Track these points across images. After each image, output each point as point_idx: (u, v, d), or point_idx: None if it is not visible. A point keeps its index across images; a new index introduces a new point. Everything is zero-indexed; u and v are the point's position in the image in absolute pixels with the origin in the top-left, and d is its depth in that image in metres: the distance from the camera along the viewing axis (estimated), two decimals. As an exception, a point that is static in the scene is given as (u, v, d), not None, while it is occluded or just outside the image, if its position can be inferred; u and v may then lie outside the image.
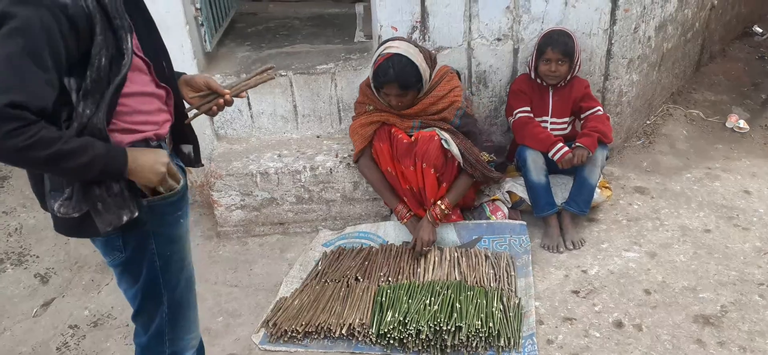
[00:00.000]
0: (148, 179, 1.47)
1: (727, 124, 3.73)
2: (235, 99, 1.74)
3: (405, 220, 2.84)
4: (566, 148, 2.78)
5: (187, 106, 1.71)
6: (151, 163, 1.46)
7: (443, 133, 2.72)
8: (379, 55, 2.65)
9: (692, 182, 3.24)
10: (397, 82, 2.62)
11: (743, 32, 4.85)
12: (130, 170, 1.42)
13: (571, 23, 2.98)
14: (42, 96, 1.25)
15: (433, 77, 2.74)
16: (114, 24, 1.36)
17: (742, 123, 3.69)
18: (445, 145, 2.69)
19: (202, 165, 1.85)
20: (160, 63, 1.58)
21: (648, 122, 3.74)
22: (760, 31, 4.74)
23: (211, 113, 1.70)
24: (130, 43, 1.40)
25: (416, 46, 2.69)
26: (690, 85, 4.15)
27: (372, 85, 2.73)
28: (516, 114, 2.92)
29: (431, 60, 2.73)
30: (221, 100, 1.67)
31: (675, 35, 3.63)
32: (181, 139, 1.73)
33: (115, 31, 1.36)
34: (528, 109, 2.91)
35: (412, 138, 2.74)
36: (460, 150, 2.70)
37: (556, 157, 2.79)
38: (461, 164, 2.73)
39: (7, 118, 1.18)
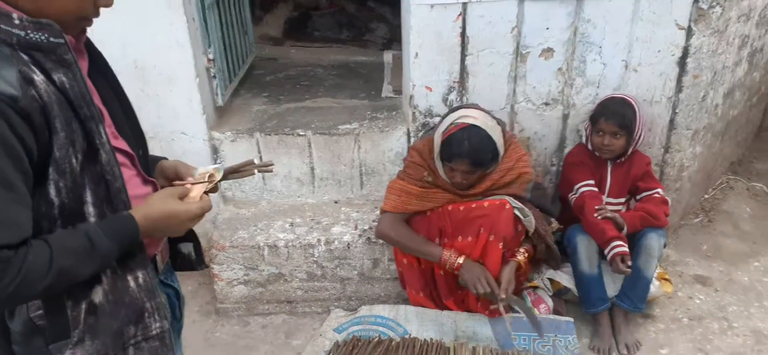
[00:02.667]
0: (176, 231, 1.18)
1: (796, 205, 3.29)
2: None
3: (457, 267, 2.32)
4: (620, 249, 2.36)
5: None
6: (168, 213, 1.14)
7: (514, 201, 2.33)
8: (452, 124, 2.25)
9: (762, 273, 2.81)
10: (470, 159, 2.21)
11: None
12: (145, 232, 1.12)
13: (631, 89, 2.61)
14: (16, 222, 0.95)
15: None
16: (81, 114, 1.03)
17: (816, 202, 3.25)
18: (520, 216, 2.31)
19: (207, 266, 1.52)
20: (138, 153, 1.25)
21: (706, 197, 3.32)
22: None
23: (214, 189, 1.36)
24: (104, 136, 1.07)
25: (493, 118, 2.33)
26: (751, 153, 3.74)
27: (437, 156, 2.31)
28: (578, 189, 2.52)
29: (505, 140, 2.35)
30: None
31: (742, 101, 3.23)
32: (178, 238, 1.40)
33: (83, 123, 1.03)
34: (592, 183, 2.52)
35: (474, 205, 2.33)
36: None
37: (608, 256, 2.39)
38: (530, 235, 2.37)
39: None
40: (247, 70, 3.48)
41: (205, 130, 2.73)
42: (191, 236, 1.45)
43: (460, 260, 2.30)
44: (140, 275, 1.17)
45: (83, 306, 1.10)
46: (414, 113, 2.70)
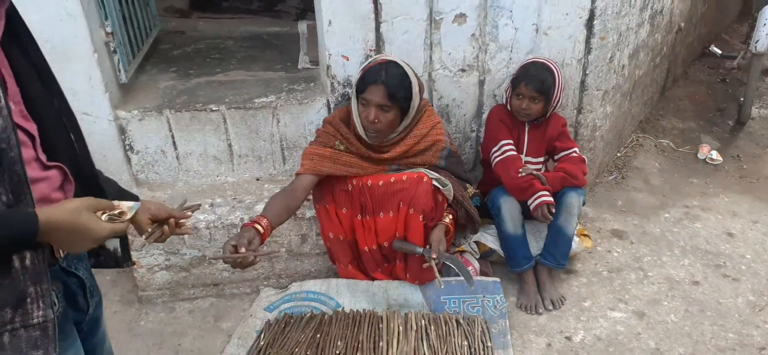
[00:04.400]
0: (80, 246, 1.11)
1: (699, 156, 3.52)
2: None
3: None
4: (545, 198, 2.43)
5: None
6: (74, 224, 1.06)
7: (432, 173, 2.33)
8: (370, 61, 2.30)
9: (672, 224, 2.99)
10: (385, 86, 2.18)
11: (702, 53, 4.72)
12: (43, 236, 1.03)
13: (543, 52, 2.66)
14: None
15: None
16: None
17: (715, 154, 3.49)
18: (439, 187, 2.31)
19: (133, 263, 1.42)
20: (66, 136, 1.17)
21: (619, 155, 3.49)
22: (719, 52, 4.61)
23: (162, 239, 1.40)
24: (3, 102, 0.97)
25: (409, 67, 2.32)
26: (657, 111, 3.95)
27: (354, 95, 2.29)
28: (501, 148, 2.54)
29: (420, 90, 2.33)
30: (166, 228, 1.39)
31: (646, 62, 3.39)
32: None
33: None
34: (511, 143, 2.55)
35: (392, 179, 2.32)
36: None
37: (531, 205, 2.45)
38: (449, 204, 2.37)
39: None
40: (153, 45, 3.28)
41: (110, 109, 2.53)
42: None
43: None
44: (28, 256, 1.06)
45: None
46: (332, 84, 2.63)
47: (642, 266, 2.70)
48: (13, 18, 1.10)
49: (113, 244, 1.38)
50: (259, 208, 2.56)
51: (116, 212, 1.15)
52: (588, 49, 2.72)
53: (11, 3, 1.08)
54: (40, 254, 1.09)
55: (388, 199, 2.33)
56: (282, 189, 2.32)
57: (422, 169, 2.35)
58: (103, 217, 1.12)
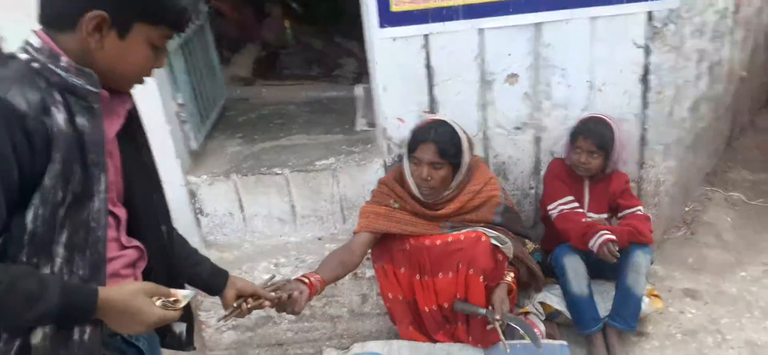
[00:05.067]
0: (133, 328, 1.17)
1: (776, 211, 3.36)
2: None
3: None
4: (608, 236, 2.37)
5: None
6: (129, 307, 1.13)
7: (490, 231, 2.32)
8: (421, 121, 2.41)
9: (749, 282, 2.84)
10: (436, 143, 2.23)
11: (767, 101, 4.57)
12: (100, 314, 1.11)
13: (598, 108, 2.65)
14: None
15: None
16: (88, 159, 1.07)
17: (791, 207, 3.33)
18: (498, 245, 2.30)
19: (195, 348, 1.51)
20: (158, 230, 1.33)
21: (687, 210, 3.37)
22: (787, 99, 4.45)
23: (241, 315, 1.61)
24: (103, 186, 1.10)
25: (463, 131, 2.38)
26: (724, 163, 3.82)
27: (406, 155, 2.35)
28: (557, 207, 2.53)
29: (470, 147, 2.37)
30: (244, 305, 1.59)
31: (708, 113, 3.31)
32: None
33: (87, 168, 1.07)
34: (572, 199, 2.53)
35: (450, 239, 2.32)
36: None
37: (594, 246, 2.38)
38: (510, 262, 2.36)
39: None
40: (220, 112, 3.46)
41: (181, 175, 2.69)
42: (186, 316, 1.43)
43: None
44: (88, 330, 1.13)
45: (17, 344, 1.07)
46: (389, 145, 2.70)
47: (719, 329, 2.57)
48: (134, 118, 1.26)
49: (179, 327, 1.43)
50: (321, 268, 2.63)
51: (171, 299, 1.20)
52: (645, 104, 2.70)
53: (134, 105, 1.25)
54: (99, 328, 1.16)
55: (446, 259, 2.31)
56: (339, 247, 2.37)
57: (479, 228, 2.34)
58: (158, 302, 1.17)
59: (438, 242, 2.32)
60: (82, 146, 1.07)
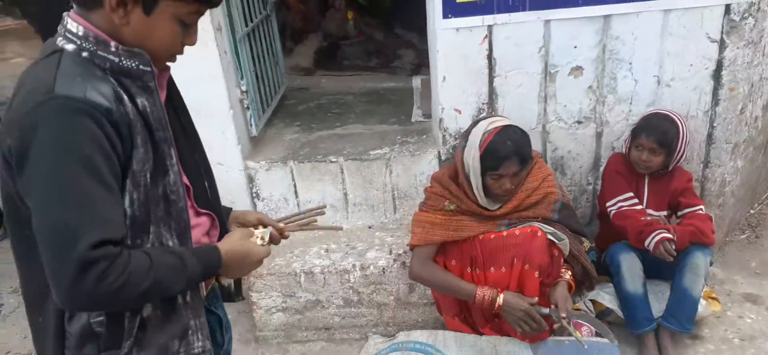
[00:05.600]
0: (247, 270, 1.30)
1: None
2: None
3: (498, 308, 2.21)
4: (665, 235, 2.30)
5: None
6: (246, 251, 1.27)
7: (546, 227, 2.27)
8: (485, 133, 2.17)
9: (815, 290, 2.69)
10: (518, 156, 2.14)
11: None
12: (225, 265, 1.21)
13: (665, 104, 2.56)
14: (118, 222, 1.04)
15: None
16: (156, 136, 1.12)
17: None
18: (555, 241, 2.26)
19: (243, 298, 1.58)
20: (203, 185, 1.33)
21: (752, 212, 3.22)
22: None
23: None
24: (174, 158, 1.15)
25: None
26: (798, 166, 3.60)
27: (478, 173, 2.20)
28: (617, 203, 2.47)
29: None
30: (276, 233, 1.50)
31: (784, 113, 3.13)
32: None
33: (157, 145, 1.12)
34: (631, 195, 2.46)
35: (505, 233, 2.28)
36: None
37: (650, 245, 2.32)
38: (565, 260, 2.32)
39: (92, 262, 0.98)
40: (280, 101, 3.55)
41: (241, 160, 2.78)
42: None
43: (500, 300, 2.20)
44: (188, 293, 1.21)
45: (137, 321, 1.14)
46: (444, 136, 2.70)
47: (780, 336, 2.46)
48: (171, 86, 1.28)
49: (228, 280, 1.50)
50: (371, 255, 2.67)
51: (260, 236, 1.32)
52: (715, 101, 2.59)
53: (170, 74, 1.27)
54: (198, 291, 1.25)
55: (500, 253, 2.28)
56: (424, 266, 2.35)
57: (536, 224, 2.30)
58: (258, 241, 1.30)
59: (492, 236, 2.29)
60: (148, 126, 1.11)
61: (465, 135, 2.28)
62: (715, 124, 2.63)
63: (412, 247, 2.39)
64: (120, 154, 1.05)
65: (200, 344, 1.23)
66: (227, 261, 1.21)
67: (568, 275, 2.32)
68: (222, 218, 1.38)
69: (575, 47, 2.50)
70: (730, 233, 3.07)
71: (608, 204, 2.48)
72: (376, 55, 4.88)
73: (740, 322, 2.55)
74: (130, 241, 1.09)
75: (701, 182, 2.76)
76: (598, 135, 2.68)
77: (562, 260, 2.32)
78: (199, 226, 1.30)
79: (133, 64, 1.09)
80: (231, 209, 1.50)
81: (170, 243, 1.16)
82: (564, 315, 2.17)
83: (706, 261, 2.34)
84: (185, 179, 1.25)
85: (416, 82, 3.81)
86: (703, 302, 2.43)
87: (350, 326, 2.72)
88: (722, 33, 2.47)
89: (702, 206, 2.46)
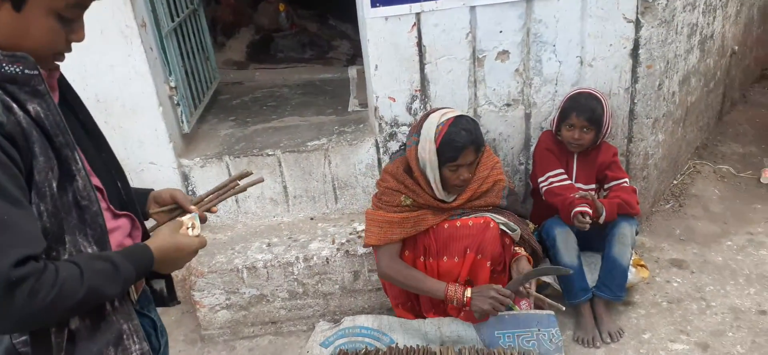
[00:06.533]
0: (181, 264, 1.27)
1: (762, 180, 3.39)
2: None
3: (467, 302, 2.20)
4: (582, 208, 2.39)
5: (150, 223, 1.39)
6: (177, 245, 1.22)
7: (498, 217, 2.31)
8: (439, 126, 2.16)
9: (735, 252, 2.88)
10: (474, 145, 2.15)
11: (761, 75, 4.57)
12: (157, 262, 1.19)
13: (588, 83, 2.67)
14: (36, 236, 0.99)
15: None
16: (56, 142, 1.05)
17: (780, 178, 3.35)
18: (507, 231, 2.30)
19: (179, 303, 1.52)
20: (116, 186, 1.27)
21: (675, 183, 3.40)
22: (780, 73, 4.46)
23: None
24: (80, 163, 1.09)
25: None
26: (714, 137, 3.84)
27: (435, 166, 2.20)
28: (548, 179, 2.56)
29: None
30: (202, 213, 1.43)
31: (698, 87, 3.33)
32: (151, 273, 1.39)
33: (58, 151, 1.05)
34: (562, 172, 2.55)
35: (458, 223, 2.30)
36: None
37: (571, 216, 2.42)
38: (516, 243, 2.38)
39: (18, 280, 0.93)
40: (213, 96, 3.48)
41: (173, 158, 2.72)
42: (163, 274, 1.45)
43: (468, 293, 2.21)
44: (117, 300, 1.18)
45: (65, 332, 1.10)
46: (380, 124, 2.73)
47: (704, 296, 2.62)
48: (63, 86, 1.20)
49: (159, 284, 1.43)
50: (314, 246, 2.67)
51: (189, 226, 1.29)
52: (635, 79, 2.72)
53: (60, 72, 1.18)
54: (124, 296, 1.20)
55: (453, 242, 2.30)
56: (393, 265, 2.33)
57: (488, 214, 2.33)
58: (189, 232, 1.27)
59: (446, 225, 2.31)
60: (46, 133, 1.03)
61: (415, 130, 2.26)
62: (635, 101, 2.77)
63: (371, 245, 2.38)
64: (21, 167, 0.98)
65: (137, 347, 1.20)
66: (160, 258, 1.18)
67: (522, 251, 2.38)
68: (141, 218, 1.33)
69: (501, 32, 2.56)
70: (656, 204, 3.24)
71: (540, 180, 2.57)
72: (310, 47, 4.85)
73: (668, 286, 2.71)
74: (45, 255, 1.03)
75: (626, 156, 2.90)
76: (527, 116, 2.77)
77: (512, 245, 2.38)
78: (119, 228, 1.24)
79: (18, 70, 1.00)
80: (151, 190, 1.45)
81: (89, 250, 1.11)
82: (533, 290, 2.23)
83: (632, 231, 2.47)
84: (97, 181, 1.19)
85: (352, 72, 3.82)
86: (632, 269, 2.57)
87: (297, 317, 2.72)
88: (637, 13, 2.59)
89: (627, 179, 2.58)
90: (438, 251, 2.32)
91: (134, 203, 1.31)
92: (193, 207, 1.40)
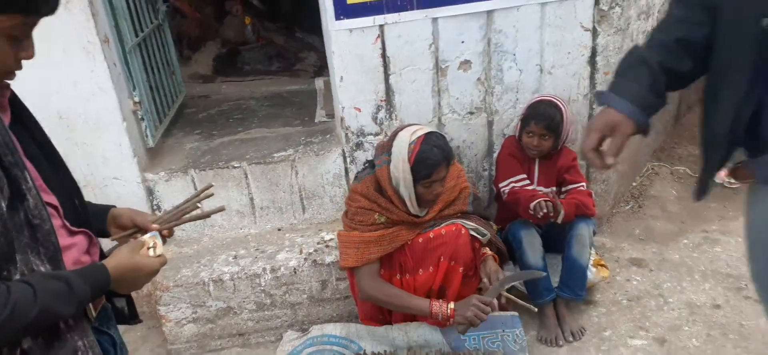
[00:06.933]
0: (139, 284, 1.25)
1: (716, 180, 3.50)
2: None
3: (451, 314, 2.21)
4: (538, 199, 2.44)
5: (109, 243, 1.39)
6: (135, 265, 1.22)
7: (468, 223, 2.35)
8: (411, 145, 2.16)
9: (691, 249, 2.98)
10: (445, 161, 2.17)
11: (715, 80, 4.74)
12: (114, 282, 1.18)
13: (548, 90, 2.75)
14: None
15: None
16: (5, 162, 1.04)
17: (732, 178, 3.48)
18: (477, 236, 2.34)
19: (140, 321, 1.51)
20: (73, 203, 1.27)
21: (634, 185, 3.51)
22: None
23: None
24: (30, 181, 1.09)
25: None
26: (671, 139, 3.97)
27: (410, 184, 2.20)
28: (509, 184, 2.61)
29: None
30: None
31: (654, 92, 3.44)
32: (112, 290, 1.37)
33: (7, 170, 1.04)
34: (524, 177, 2.62)
35: (431, 235, 2.32)
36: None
37: (531, 210, 2.46)
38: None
39: None
40: (179, 110, 3.47)
41: (138, 172, 2.71)
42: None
43: (451, 306, 2.23)
44: (71, 319, 1.17)
45: (18, 352, 1.09)
46: (346, 134, 2.76)
47: (662, 293, 2.70)
48: (16, 104, 1.20)
49: (120, 303, 1.43)
50: (281, 257, 2.68)
51: (151, 246, 1.28)
52: (593, 85, 2.80)
53: (12, 91, 1.18)
54: (83, 312, 1.20)
55: (429, 255, 2.32)
56: (375, 286, 2.31)
57: (458, 221, 2.36)
58: (150, 252, 1.26)
59: (420, 240, 2.33)
60: None
61: (385, 149, 2.26)
62: (594, 107, 2.86)
63: (348, 268, 2.37)
64: None
65: None
66: (117, 277, 1.18)
67: (488, 251, 2.41)
68: (100, 234, 1.34)
69: (462, 42, 2.63)
70: (616, 205, 3.34)
71: (501, 185, 2.64)
72: (277, 59, 4.87)
73: (628, 285, 2.79)
74: None
75: (586, 162, 2.97)
76: (490, 123, 2.83)
77: (481, 249, 2.43)
78: (75, 246, 1.24)
79: None
80: (112, 206, 1.44)
81: (42, 269, 1.11)
82: (504, 292, 2.26)
83: (589, 231, 2.55)
84: (52, 199, 1.19)
85: (319, 83, 3.85)
86: (593, 269, 2.64)
87: (264, 329, 2.72)
88: (594, 22, 2.68)
89: (584, 183, 2.66)
90: (414, 266, 2.34)
91: (89, 220, 1.31)
92: (154, 225, 1.39)
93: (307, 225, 2.94)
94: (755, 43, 1.25)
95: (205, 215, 1.54)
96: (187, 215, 1.47)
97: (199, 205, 1.49)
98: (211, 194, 1.51)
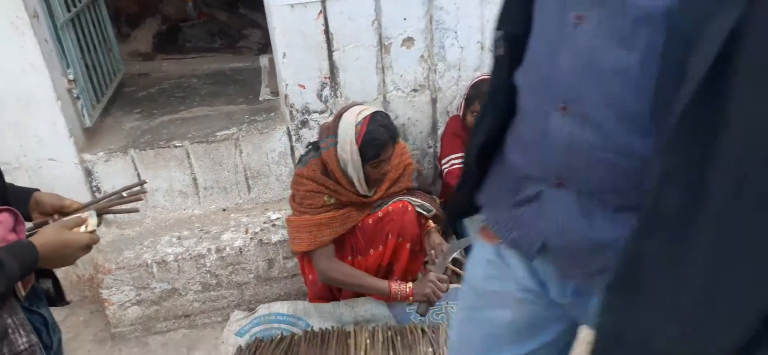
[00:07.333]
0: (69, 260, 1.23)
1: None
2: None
3: (410, 293, 2.25)
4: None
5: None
6: (63, 241, 1.21)
7: (414, 199, 2.37)
8: (357, 126, 2.14)
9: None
10: (392, 139, 2.17)
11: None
12: (43, 259, 1.16)
13: (489, 68, 2.81)
14: None
15: None
16: None
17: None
18: (423, 212, 2.37)
19: (68, 302, 1.49)
20: None
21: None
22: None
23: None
24: None
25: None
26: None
27: (358, 165, 2.19)
28: (449, 161, 2.67)
29: None
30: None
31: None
32: (39, 271, 1.36)
33: None
34: (462, 155, 2.68)
35: (380, 214, 2.33)
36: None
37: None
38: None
39: None
40: (118, 88, 3.37)
41: (75, 153, 2.62)
42: (49, 273, 1.44)
43: (409, 285, 2.26)
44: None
45: None
46: (291, 112, 2.75)
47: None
48: None
49: (46, 284, 1.43)
50: (226, 237, 2.66)
51: (83, 224, 1.28)
52: (532, 63, 2.88)
53: None
54: (8, 292, 1.19)
55: (378, 234, 2.34)
56: (333, 267, 2.30)
57: (404, 198, 2.38)
58: (82, 229, 1.26)
59: (370, 221, 2.34)
60: None
61: (330, 131, 2.22)
62: (533, 83, 2.94)
63: (301, 252, 2.34)
64: None
65: (24, 340, 1.19)
66: (45, 254, 1.17)
67: (432, 223, 2.45)
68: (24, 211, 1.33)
69: (405, 19, 2.65)
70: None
71: (443, 162, 2.69)
72: (220, 36, 4.76)
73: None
74: None
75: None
76: (433, 101, 2.87)
77: (428, 224, 2.48)
78: (1, 224, 1.23)
79: None
80: (35, 190, 1.42)
81: None
82: (448, 263, 2.32)
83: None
84: None
85: (263, 60, 3.80)
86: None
87: (211, 309, 2.71)
88: (533, 0, 2.75)
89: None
90: (365, 246, 2.36)
91: (10, 201, 1.29)
92: (83, 213, 1.37)
93: (253, 205, 2.92)
94: None
95: (131, 210, 1.54)
96: (114, 207, 1.47)
97: (124, 194, 1.50)
98: (145, 192, 1.55)
